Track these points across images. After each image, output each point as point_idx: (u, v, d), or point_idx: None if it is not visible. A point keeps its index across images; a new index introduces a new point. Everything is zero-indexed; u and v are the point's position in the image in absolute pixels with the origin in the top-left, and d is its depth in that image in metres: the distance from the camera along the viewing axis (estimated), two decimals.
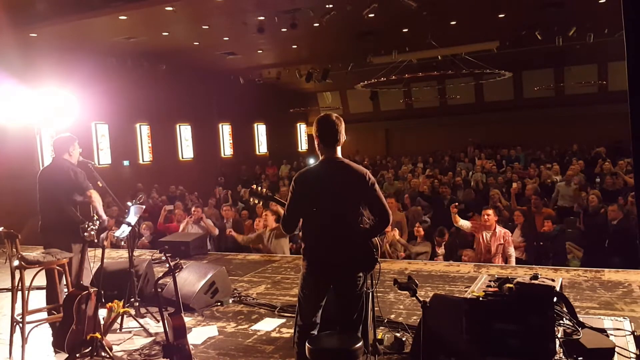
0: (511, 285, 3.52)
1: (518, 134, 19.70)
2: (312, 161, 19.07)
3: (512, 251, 6.92)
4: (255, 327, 5.01)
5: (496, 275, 3.98)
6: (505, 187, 11.62)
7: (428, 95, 21.72)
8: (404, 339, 4.31)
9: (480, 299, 3.54)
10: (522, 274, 5.38)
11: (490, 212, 7.00)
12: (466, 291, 4.01)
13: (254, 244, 8.08)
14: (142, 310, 5.28)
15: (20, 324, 4.39)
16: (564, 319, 3.68)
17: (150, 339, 4.79)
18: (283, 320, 5.11)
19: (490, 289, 3.64)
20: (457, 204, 7.53)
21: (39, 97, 8.83)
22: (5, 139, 10.11)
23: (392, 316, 4.97)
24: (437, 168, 16.19)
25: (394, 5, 10.24)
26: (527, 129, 19.91)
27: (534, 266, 6.73)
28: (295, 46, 14.98)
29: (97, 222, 4.64)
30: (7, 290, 6.42)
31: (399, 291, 4.54)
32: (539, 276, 3.57)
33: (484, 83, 19.15)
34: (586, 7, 12.03)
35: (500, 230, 6.96)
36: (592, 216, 8.70)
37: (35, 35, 11.07)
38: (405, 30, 13.52)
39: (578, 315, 3.81)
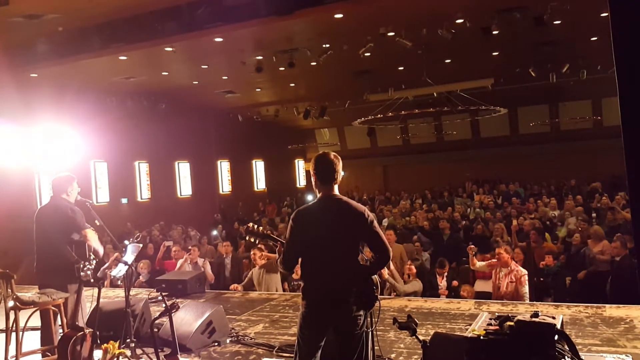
0: (512, 324, 3.48)
1: (514, 169, 19.80)
2: (310, 197, 19.15)
3: (525, 291, 6.75)
4: None
5: (497, 314, 3.94)
6: (504, 222, 11.60)
7: (425, 131, 21.93)
8: None
9: (481, 338, 3.49)
10: (523, 311, 5.32)
11: (502, 250, 6.94)
12: (467, 329, 3.96)
13: (251, 286, 8.02)
14: (138, 351, 5.18)
15: None
16: (566, 357, 3.62)
17: None
18: None
19: (491, 328, 3.59)
20: (472, 245, 7.34)
21: (38, 136, 8.91)
22: (4, 178, 10.14)
23: (393, 355, 4.89)
24: (436, 204, 16.20)
25: (390, 45, 10.46)
26: (523, 164, 20.03)
27: (534, 303, 6.66)
28: (293, 84, 15.21)
29: (94, 261, 4.61)
30: (2, 331, 6.34)
31: (399, 330, 4.49)
32: (540, 313, 3.53)
33: (480, 119, 19.36)
34: (579, 44, 12.29)
35: (515, 268, 6.86)
36: (574, 255, 8.65)
37: (36, 75, 11.24)
38: (401, 68, 13.76)
39: (580, 353, 3.75)
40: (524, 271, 6.94)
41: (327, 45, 10.80)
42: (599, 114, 19.36)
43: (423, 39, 10.50)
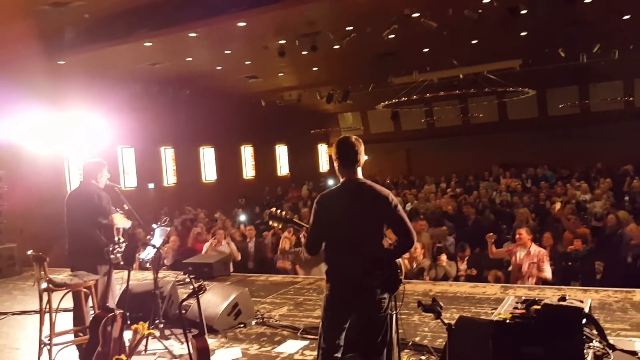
0: (538, 307, 3.45)
1: (543, 153, 19.43)
2: (331, 182, 19.14)
3: (547, 270, 6.72)
4: (278, 349, 4.99)
5: (523, 297, 3.90)
6: (532, 206, 11.44)
7: (450, 114, 21.61)
8: None
9: (507, 321, 3.47)
10: (550, 296, 5.26)
11: (523, 231, 6.91)
12: (492, 313, 3.94)
13: (294, 257, 8.15)
14: (167, 332, 5.30)
15: (48, 346, 4.44)
16: (594, 341, 3.58)
17: None
18: (306, 343, 5.08)
19: (517, 311, 3.57)
20: (492, 233, 7.29)
21: (67, 123, 9.07)
22: (35, 164, 10.37)
23: (417, 339, 4.90)
24: (461, 188, 16.05)
25: (414, 26, 10.29)
26: (552, 147, 19.62)
27: (562, 287, 6.58)
28: (315, 68, 15.13)
29: (123, 244, 4.71)
30: (35, 312, 6.54)
31: (423, 313, 4.49)
32: (567, 297, 3.49)
33: (507, 101, 19.00)
34: (610, 23, 11.91)
35: (535, 249, 6.82)
36: (608, 237, 8.47)
37: (64, 62, 11.39)
38: (426, 50, 13.54)
39: (608, 338, 3.71)
40: (544, 250, 6.89)
41: (351, 28, 10.68)
42: (631, 95, 18.81)
43: (449, 20, 10.30)
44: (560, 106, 19.92)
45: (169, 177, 16.66)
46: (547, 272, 6.71)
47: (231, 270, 8.65)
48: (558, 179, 16.09)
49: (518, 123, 21.07)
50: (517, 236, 6.89)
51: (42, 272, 4.54)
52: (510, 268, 7.09)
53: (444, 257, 7.53)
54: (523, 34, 12.51)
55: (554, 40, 13.20)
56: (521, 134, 20.60)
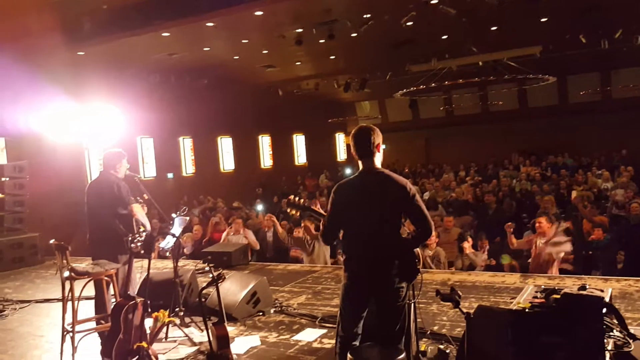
0: (558, 297, 3.41)
1: (563, 140, 19.14)
2: (349, 171, 19.10)
3: (562, 248, 6.65)
4: (297, 337, 5.02)
5: (543, 286, 3.87)
6: (552, 194, 11.30)
7: (469, 102, 21.37)
8: (447, 351, 4.24)
9: (526, 310, 3.45)
10: (570, 285, 5.21)
11: (543, 219, 6.83)
12: (512, 302, 3.91)
13: (295, 243, 8.19)
14: (187, 319, 5.37)
15: (71, 333, 4.53)
16: (614, 330, 3.54)
17: (194, 348, 4.86)
18: (324, 331, 5.10)
19: (536, 301, 3.55)
20: (510, 223, 7.17)
21: (87, 113, 9.18)
22: (55, 154, 10.52)
23: (435, 328, 4.89)
24: (480, 176, 15.91)
25: (433, 13, 10.18)
26: (572, 135, 19.31)
27: (582, 276, 6.51)
28: (333, 57, 15.06)
29: (143, 233, 4.76)
30: (58, 300, 6.66)
31: (442, 302, 4.47)
32: (588, 287, 3.46)
33: (528, 88, 18.73)
34: (632, 8, 11.64)
35: (555, 237, 6.76)
36: (633, 226, 8.33)
37: (83, 53, 11.51)
38: (445, 37, 13.39)
39: (629, 327, 3.66)
40: (564, 238, 6.82)
41: (368, 16, 10.60)
42: None
43: (468, 6, 10.17)
44: (581, 93, 19.58)
45: (188, 167, 16.80)
46: (561, 254, 6.62)
47: (249, 259, 8.72)
48: (579, 167, 15.85)
49: (538, 110, 20.76)
50: (537, 225, 6.81)
51: (65, 261, 4.61)
52: (530, 260, 7.02)
53: (467, 244, 7.49)
54: (543, 19, 12.30)
55: (575, 26, 12.95)
56: (541, 122, 20.30)
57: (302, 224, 8.07)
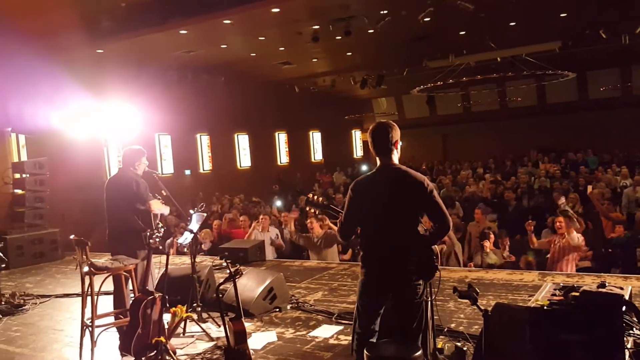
0: (577, 294, 3.37)
1: (583, 137, 18.89)
2: (365, 168, 19.02)
3: (577, 243, 6.66)
4: (313, 333, 5.03)
5: (561, 284, 3.83)
6: (571, 192, 11.15)
7: (487, 98, 21.19)
8: (465, 348, 4.21)
9: (545, 308, 3.41)
10: (589, 282, 5.14)
11: (562, 219, 6.79)
12: (530, 300, 3.87)
13: (302, 242, 8.20)
14: (204, 315, 5.41)
15: (90, 328, 4.59)
16: (634, 329, 3.49)
17: (212, 344, 4.90)
18: (341, 328, 5.10)
19: (555, 298, 3.50)
20: (531, 221, 7.13)
21: (106, 110, 9.28)
22: (75, 151, 10.64)
23: (453, 325, 4.86)
24: (499, 173, 15.77)
25: (450, 8, 10.09)
26: (592, 131, 19.05)
27: (602, 274, 6.42)
28: (349, 53, 15.03)
29: (162, 229, 4.81)
30: (77, 295, 6.75)
31: (459, 300, 4.45)
32: (607, 284, 3.41)
33: (547, 84, 18.49)
34: None
35: (571, 232, 6.72)
36: None
37: (102, 51, 11.64)
38: (463, 32, 13.29)
39: None
40: (580, 236, 6.77)
41: (385, 12, 10.56)
42: None
43: (486, 1, 10.07)
44: (601, 89, 19.30)
45: (205, 164, 16.91)
46: (579, 246, 6.58)
47: (275, 256, 8.78)
48: (600, 164, 15.63)
49: (557, 106, 20.51)
50: (557, 224, 6.76)
51: (84, 256, 4.67)
52: (550, 252, 6.96)
53: (488, 243, 7.43)
54: (563, 15, 12.13)
55: (595, 21, 12.76)
56: (560, 118, 20.06)
57: (309, 222, 8.08)
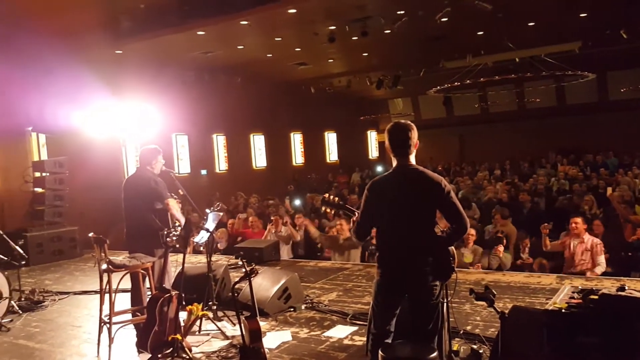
0: (596, 297, 3.33)
1: (603, 138, 18.61)
2: (380, 169, 18.94)
3: (601, 261, 6.54)
4: (328, 333, 5.04)
5: (580, 287, 3.78)
6: (590, 193, 11.01)
7: (505, 98, 20.97)
8: (481, 351, 4.18)
9: (563, 311, 3.37)
10: (608, 286, 5.07)
11: (579, 219, 6.71)
12: (547, 303, 3.84)
13: (327, 243, 8.20)
14: (219, 313, 5.45)
15: (108, 325, 4.64)
16: None
17: (227, 342, 4.93)
18: (355, 328, 5.10)
19: (573, 301, 3.46)
20: (546, 224, 6.99)
21: (124, 110, 9.39)
22: (93, 150, 10.77)
23: (468, 327, 4.83)
24: (516, 174, 15.61)
25: (468, 8, 10.02)
26: (612, 133, 18.76)
27: (621, 278, 6.33)
28: (366, 54, 15.00)
29: (179, 228, 4.85)
30: (95, 292, 6.85)
31: (475, 302, 4.41)
32: (627, 288, 3.36)
33: (566, 85, 18.25)
34: None
35: (589, 238, 6.65)
36: None
37: (120, 52, 11.76)
38: (480, 32, 13.19)
39: None
40: (598, 240, 6.65)
41: (402, 12, 10.52)
42: None
43: (504, 1, 9.99)
44: (622, 90, 18.99)
45: (221, 164, 17.00)
46: (600, 266, 6.49)
47: (290, 256, 8.82)
48: (619, 165, 15.40)
49: (577, 108, 20.22)
50: (573, 225, 6.69)
51: (103, 254, 4.72)
52: (565, 254, 6.88)
53: (501, 247, 7.38)
54: (583, 14, 11.98)
55: (615, 21, 12.57)
56: (580, 119, 19.77)
57: (338, 224, 8.08)
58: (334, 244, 8.13)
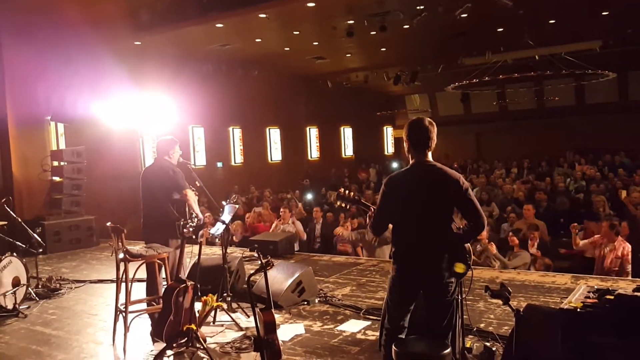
0: (612, 297, 3.30)
1: (622, 139, 18.34)
2: (395, 165, 18.87)
3: (629, 269, 6.48)
4: (341, 327, 5.05)
5: (595, 287, 3.75)
6: (607, 195, 10.88)
7: (524, 96, 20.78)
8: (494, 349, 4.17)
9: (578, 310, 3.35)
10: (625, 286, 5.02)
11: (606, 224, 6.66)
12: (562, 302, 3.81)
13: (361, 238, 8.25)
14: (234, 305, 5.49)
15: (124, 313, 4.70)
16: None
17: (241, 333, 4.96)
18: (368, 323, 5.11)
19: (589, 301, 3.44)
20: (576, 224, 6.95)
21: (142, 101, 9.46)
22: (111, 141, 10.87)
23: (482, 325, 4.82)
24: (533, 173, 15.47)
25: (488, 5, 9.93)
26: (633, 133, 18.47)
27: (637, 279, 6.26)
28: (384, 49, 14.94)
29: (195, 219, 4.89)
30: (112, 281, 6.94)
31: (489, 300, 4.41)
32: None
33: (586, 84, 18.03)
34: None
35: (620, 244, 6.57)
36: None
37: (139, 43, 11.86)
38: (500, 29, 13.06)
39: None
40: (629, 246, 6.57)
41: (421, 7, 10.46)
42: None
43: None
44: None
45: (237, 157, 17.07)
46: (629, 272, 6.42)
47: (296, 249, 8.82)
48: (636, 166, 15.18)
49: (596, 107, 19.97)
50: (603, 229, 6.62)
51: (120, 243, 4.77)
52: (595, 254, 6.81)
53: (493, 246, 7.33)
54: (604, 13, 11.81)
55: (638, 20, 12.36)
56: (599, 119, 19.50)
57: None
58: (364, 240, 8.16)
